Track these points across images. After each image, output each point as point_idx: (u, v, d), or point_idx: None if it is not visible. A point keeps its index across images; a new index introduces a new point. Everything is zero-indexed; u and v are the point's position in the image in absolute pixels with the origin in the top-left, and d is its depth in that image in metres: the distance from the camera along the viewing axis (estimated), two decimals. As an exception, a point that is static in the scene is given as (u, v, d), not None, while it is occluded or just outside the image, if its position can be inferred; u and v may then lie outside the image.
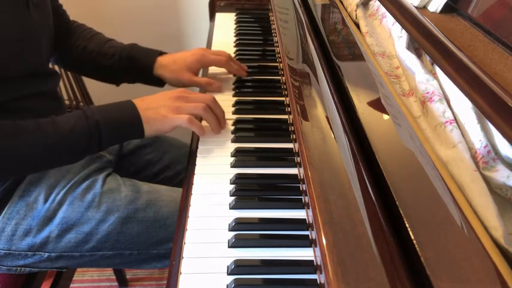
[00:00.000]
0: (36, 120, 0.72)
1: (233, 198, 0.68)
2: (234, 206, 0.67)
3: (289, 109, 0.80)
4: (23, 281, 0.88)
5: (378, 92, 0.60)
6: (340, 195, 0.49)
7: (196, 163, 0.76)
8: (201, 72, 1.09)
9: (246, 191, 0.70)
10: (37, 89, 0.83)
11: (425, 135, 0.52)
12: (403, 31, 0.69)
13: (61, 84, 1.19)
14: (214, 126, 0.81)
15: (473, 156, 0.47)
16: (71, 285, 1.08)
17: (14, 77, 0.78)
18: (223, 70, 1.03)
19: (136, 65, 0.96)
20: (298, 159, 0.68)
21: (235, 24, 1.33)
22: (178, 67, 0.94)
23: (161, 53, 0.98)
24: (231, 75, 1.04)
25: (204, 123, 0.82)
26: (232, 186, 0.71)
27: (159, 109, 0.76)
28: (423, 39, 0.61)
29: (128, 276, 1.51)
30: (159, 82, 0.99)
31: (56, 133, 0.71)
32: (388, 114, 0.56)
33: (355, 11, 0.84)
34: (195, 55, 0.96)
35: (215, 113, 0.81)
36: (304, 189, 0.64)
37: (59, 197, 0.81)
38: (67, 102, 1.35)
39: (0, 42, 0.72)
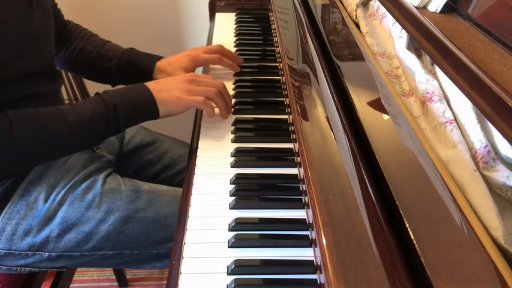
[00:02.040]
0: (57, 107, 0.74)
1: (233, 198, 0.68)
2: (234, 206, 0.67)
3: (289, 109, 0.80)
4: (23, 281, 0.88)
5: (378, 92, 0.60)
6: (340, 195, 0.49)
7: (196, 163, 0.77)
8: (200, 70, 1.09)
9: (246, 191, 0.70)
10: (40, 89, 0.83)
11: (425, 135, 0.52)
12: (403, 31, 0.69)
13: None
14: (223, 111, 0.85)
15: (473, 156, 0.47)
16: (71, 285, 1.08)
17: (18, 77, 0.78)
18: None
19: (136, 70, 0.98)
20: (298, 159, 0.68)
21: (235, 24, 1.33)
22: (174, 69, 0.96)
23: (159, 58, 0.99)
24: (231, 72, 1.04)
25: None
26: (232, 186, 0.71)
27: (172, 91, 0.79)
28: (423, 39, 0.61)
29: (128, 276, 1.51)
30: None
31: (76, 119, 0.73)
32: (388, 114, 0.56)
33: (355, 11, 0.84)
34: (188, 56, 0.98)
35: (224, 98, 0.85)
36: (304, 189, 0.64)
37: (59, 197, 0.81)
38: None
39: (4, 41, 0.72)
